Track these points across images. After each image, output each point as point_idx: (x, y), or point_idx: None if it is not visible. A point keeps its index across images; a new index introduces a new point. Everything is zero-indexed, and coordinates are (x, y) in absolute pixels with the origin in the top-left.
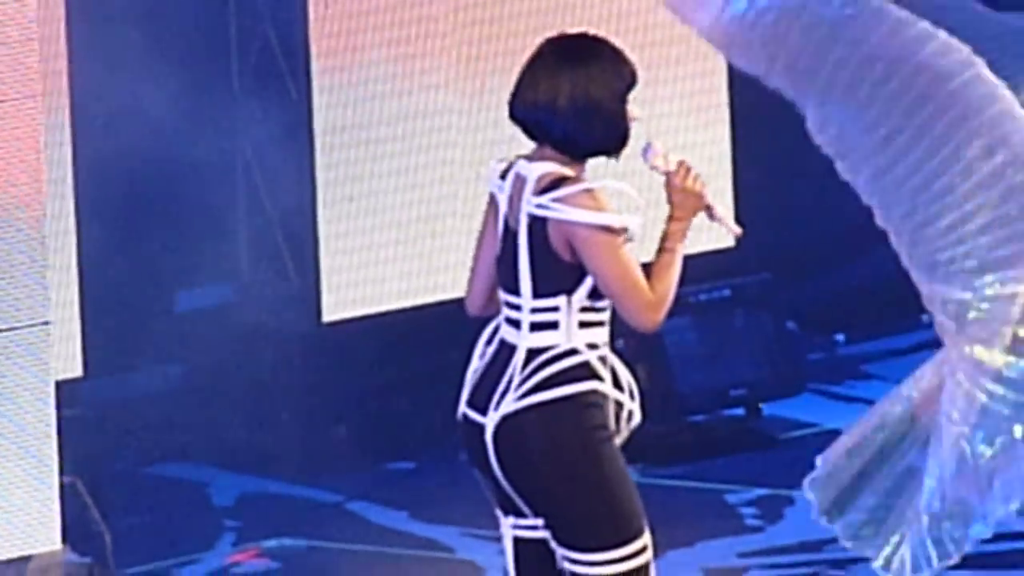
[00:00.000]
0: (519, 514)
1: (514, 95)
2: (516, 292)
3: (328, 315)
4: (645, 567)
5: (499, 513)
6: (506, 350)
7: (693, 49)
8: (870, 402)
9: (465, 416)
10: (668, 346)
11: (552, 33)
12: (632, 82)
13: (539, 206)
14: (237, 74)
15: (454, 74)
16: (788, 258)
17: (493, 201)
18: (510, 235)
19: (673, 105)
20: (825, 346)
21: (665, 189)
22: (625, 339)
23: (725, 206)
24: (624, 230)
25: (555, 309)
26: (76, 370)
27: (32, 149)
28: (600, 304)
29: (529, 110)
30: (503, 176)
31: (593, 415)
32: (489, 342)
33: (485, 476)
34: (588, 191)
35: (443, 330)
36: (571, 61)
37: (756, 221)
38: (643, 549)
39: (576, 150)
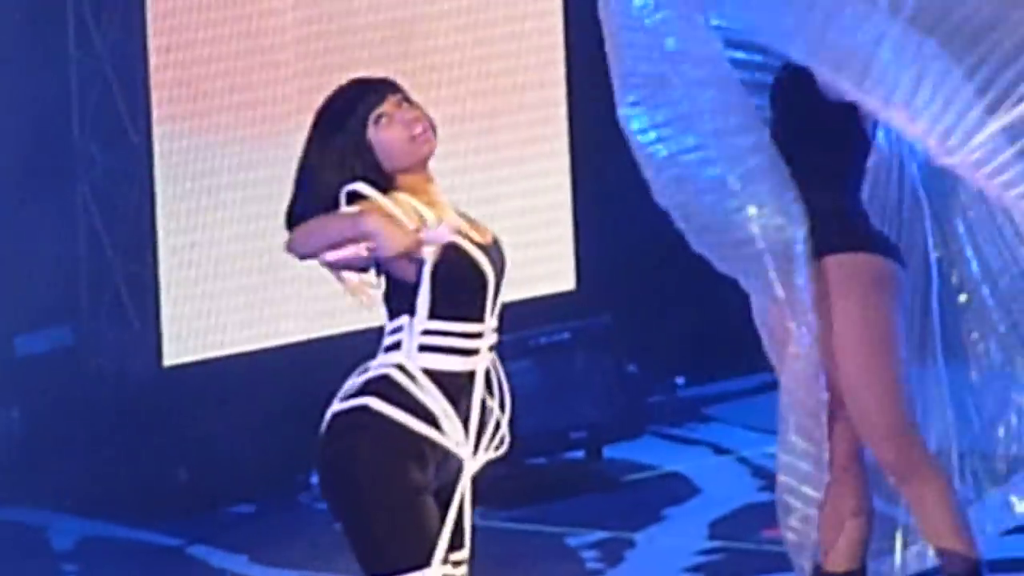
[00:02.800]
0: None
1: None
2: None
3: (169, 359)
4: None
5: None
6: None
7: (535, 79)
8: (710, 444)
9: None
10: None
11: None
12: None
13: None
14: (78, 117)
15: (294, 123)
16: (629, 300)
17: None
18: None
19: (514, 135)
20: (665, 388)
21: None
22: None
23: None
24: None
25: (399, 330)
26: None
27: None
28: (452, 328)
29: None
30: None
31: (382, 436)
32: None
33: None
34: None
35: (283, 374)
36: None
37: (597, 261)
38: None
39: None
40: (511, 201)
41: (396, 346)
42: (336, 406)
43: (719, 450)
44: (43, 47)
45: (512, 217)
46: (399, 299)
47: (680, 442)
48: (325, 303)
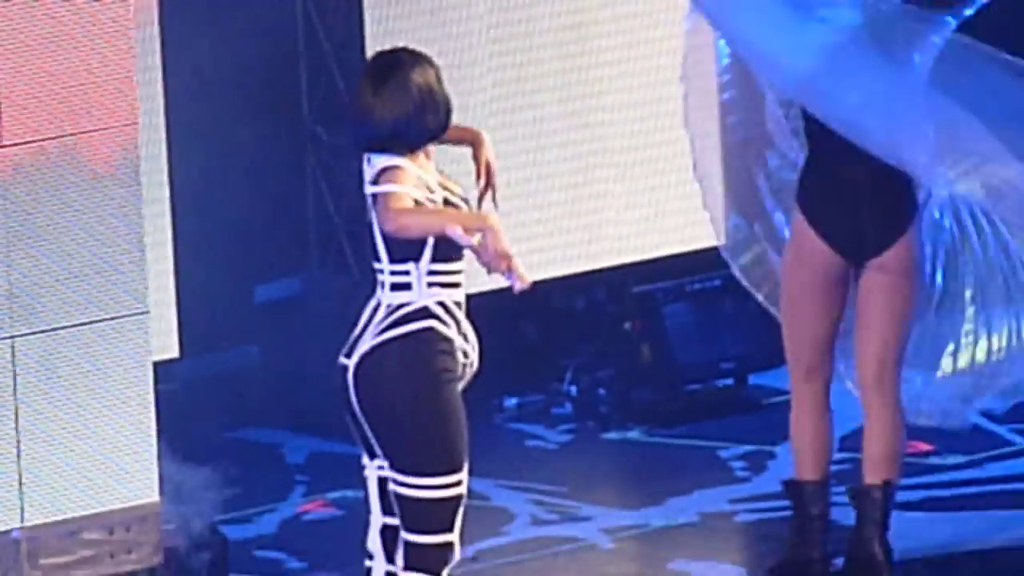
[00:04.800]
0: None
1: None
2: (378, 259)
3: None
4: (457, 499)
5: (365, 458)
6: (374, 308)
7: None
8: (837, 372)
9: (339, 363)
10: (669, 327)
11: None
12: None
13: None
14: (307, 103)
15: (488, 111)
16: None
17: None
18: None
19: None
20: None
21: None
22: (632, 322)
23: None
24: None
25: (407, 273)
26: (173, 351)
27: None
28: (447, 268)
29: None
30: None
31: (434, 353)
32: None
33: (351, 417)
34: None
35: (477, 315)
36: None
37: None
38: (457, 483)
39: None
40: (674, 172)
41: (406, 286)
42: (391, 333)
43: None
44: (278, 46)
45: (677, 186)
46: (405, 249)
47: None
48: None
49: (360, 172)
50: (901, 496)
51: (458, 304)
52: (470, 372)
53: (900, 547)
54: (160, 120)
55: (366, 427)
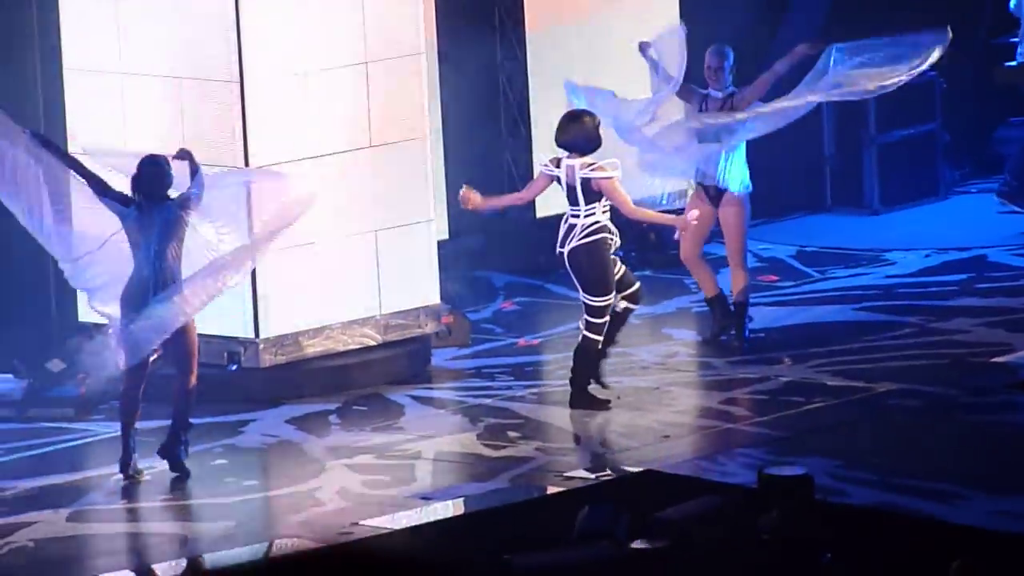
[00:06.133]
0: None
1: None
2: (576, 204)
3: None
4: (606, 307)
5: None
6: (571, 225)
7: None
8: None
9: (557, 252)
10: None
11: None
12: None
13: (585, 175)
14: (503, 103)
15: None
16: None
17: (545, 175)
18: (569, 186)
19: None
20: None
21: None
22: None
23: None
24: (617, 177)
25: (593, 211)
26: None
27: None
28: (607, 208)
29: (567, 142)
30: (556, 164)
31: (606, 245)
32: (564, 222)
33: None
34: (600, 166)
35: None
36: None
37: None
38: (608, 301)
39: (587, 151)
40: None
41: (591, 213)
42: (590, 238)
43: None
44: (481, 56)
45: None
46: (592, 198)
47: None
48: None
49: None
50: (760, 302)
51: (612, 222)
52: (615, 247)
53: (759, 326)
54: None
55: (575, 279)
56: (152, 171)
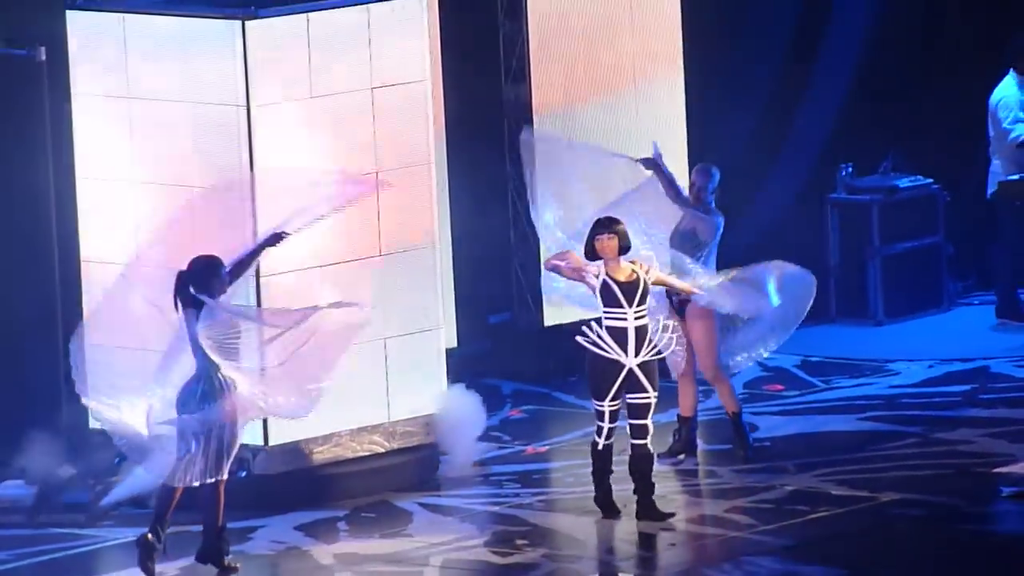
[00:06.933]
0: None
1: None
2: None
3: None
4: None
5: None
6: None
7: None
8: None
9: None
10: None
11: None
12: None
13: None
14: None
15: None
16: None
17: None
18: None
19: None
20: None
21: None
22: None
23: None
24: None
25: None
26: None
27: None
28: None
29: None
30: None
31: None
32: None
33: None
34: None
35: None
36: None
37: None
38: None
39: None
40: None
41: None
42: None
43: None
44: (488, 167)
45: None
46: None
47: None
48: None
49: None
50: (766, 411)
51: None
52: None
53: (764, 435)
54: None
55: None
56: (209, 272)
